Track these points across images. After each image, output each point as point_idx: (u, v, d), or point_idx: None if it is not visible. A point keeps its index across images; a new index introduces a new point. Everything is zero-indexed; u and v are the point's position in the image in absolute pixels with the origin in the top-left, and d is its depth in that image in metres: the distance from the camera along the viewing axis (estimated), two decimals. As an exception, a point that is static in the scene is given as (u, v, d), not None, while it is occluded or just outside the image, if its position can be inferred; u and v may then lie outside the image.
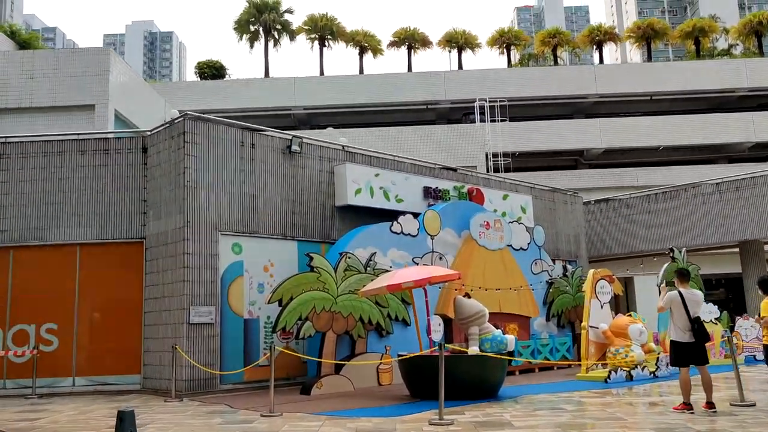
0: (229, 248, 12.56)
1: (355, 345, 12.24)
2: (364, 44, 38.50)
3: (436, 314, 13.57)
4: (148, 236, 12.99)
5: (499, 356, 9.96)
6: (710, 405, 8.13)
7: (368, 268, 12.56)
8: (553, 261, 17.85)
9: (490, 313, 11.13)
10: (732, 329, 16.46)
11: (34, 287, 12.85)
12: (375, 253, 12.99)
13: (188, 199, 12.11)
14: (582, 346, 12.89)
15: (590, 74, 34.87)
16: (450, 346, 10.52)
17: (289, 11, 39.58)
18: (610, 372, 12.03)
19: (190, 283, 11.85)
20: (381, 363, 12.44)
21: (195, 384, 11.64)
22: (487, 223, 15.46)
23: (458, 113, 35.44)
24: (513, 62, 40.21)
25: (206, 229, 12.26)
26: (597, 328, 13.08)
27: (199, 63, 38.50)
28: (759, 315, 9.77)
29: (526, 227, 16.85)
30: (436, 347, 8.33)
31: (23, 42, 29.04)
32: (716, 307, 15.96)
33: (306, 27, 39.18)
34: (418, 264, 13.64)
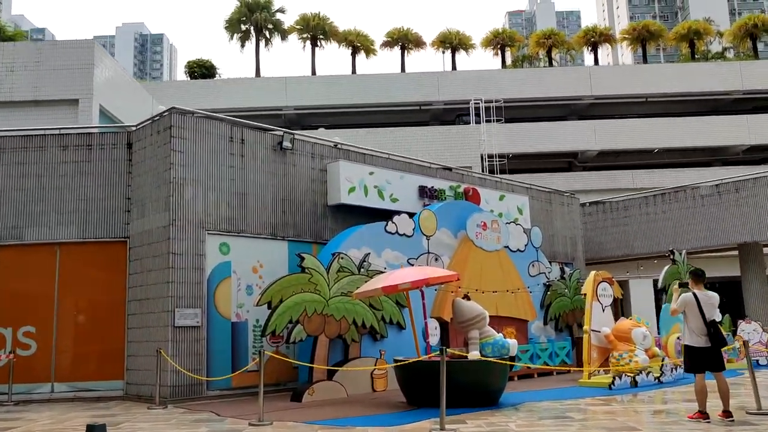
0: (216, 248, 12.02)
1: (348, 349, 11.73)
2: (357, 44, 38.04)
3: (431, 317, 13.07)
4: (132, 235, 12.42)
5: (501, 361, 9.46)
6: (727, 414, 7.67)
7: (362, 270, 12.05)
8: (550, 263, 17.41)
9: (487, 317, 10.65)
10: (734, 333, 16.06)
11: (11, 288, 12.25)
12: (369, 253, 12.48)
13: (174, 197, 11.56)
14: (584, 350, 12.42)
15: (585, 76, 34.55)
16: (449, 350, 10.00)
17: (281, 10, 39.09)
18: (614, 378, 11.56)
19: (176, 285, 11.30)
20: (375, 369, 11.92)
21: (180, 390, 11.08)
22: (484, 223, 14.99)
23: (452, 114, 35.03)
24: (507, 64, 39.82)
25: (192, 228, 11.71)
26: (599, 332, 12.62)
27: (189, 62, 37.92)
28: None
29: (523, 228, 16.40)
30: (436, 352, 7.84)
31: (8, 39, 28.37)
32: (717, 311, 15.50)
33: (298, 26, 38.68)
34: (413, 265, 13.14)
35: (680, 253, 16.79)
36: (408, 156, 16.25)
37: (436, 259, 13.97)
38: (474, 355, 9.45)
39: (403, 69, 38.90)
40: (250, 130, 12.98)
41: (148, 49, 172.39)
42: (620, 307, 25.88)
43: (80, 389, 12.08)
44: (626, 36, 38.93)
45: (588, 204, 22.36)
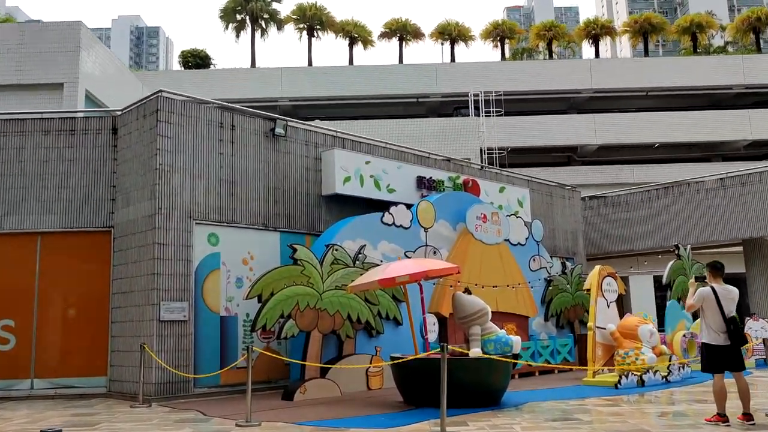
0: (204, 238, 11.46)
1: (342, 346, 11.20)
2: (354, 35, 37.41)
3: (429, 313, 12.53)
4: (117, 225, 11.86)
5: (504, 359, 8.94)
6: (747, 416, 7.17)
7: (357, 262, 11.52)
8: (551, 258, 16.90)
9: (486, 313, 10.10)
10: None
11: (-11, 280, 11.69)
12: (365, 245, 11.95)
13: (160, 184, 11.00)
14: (588, 348, 11.92)
15: (585, 68, 33.99)
16: (450, 347, 9.47)
17: (277, 0, 38.41)
18: (620, 377, 11.06)
19: (161, 277, 10.74)
20: (371, 366, 11.40)
21: (165, 387, 10.54)
22: (484, 215, 14.46)
23: (449, 107, 34.45)
24: (507, 56, 39.25)
25: (180, 218, 11.15)
26: (604, 328, 12.12)
27: (183, 52, 37.26)
28: None
29: (524, 221, 15.88)
30: (436, 349, 7.32)
31: (-3, 24, 27.71)
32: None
33: (294, 16, 38.02)
34: (410, 258, 12.61)
35: (685, 248, 16.31)
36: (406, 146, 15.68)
37: (435, 252, 13.44)
38: (475, 352, 8.93)
39: (401, 60, 38.31)
40: (241, 116, 12.42)
41: (144, 42, 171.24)
42: (621, 304, 25.44)
43: (61, 386, 11.53)
44: (628, 29, 38.35)
45: (586, 198, 21.85)
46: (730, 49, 40.59)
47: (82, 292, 11.87)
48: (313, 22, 37.29)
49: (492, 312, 11.32)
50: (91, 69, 16.79)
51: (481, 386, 8.90)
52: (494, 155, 25.66)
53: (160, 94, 11.36)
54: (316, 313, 10.53)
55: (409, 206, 13.26)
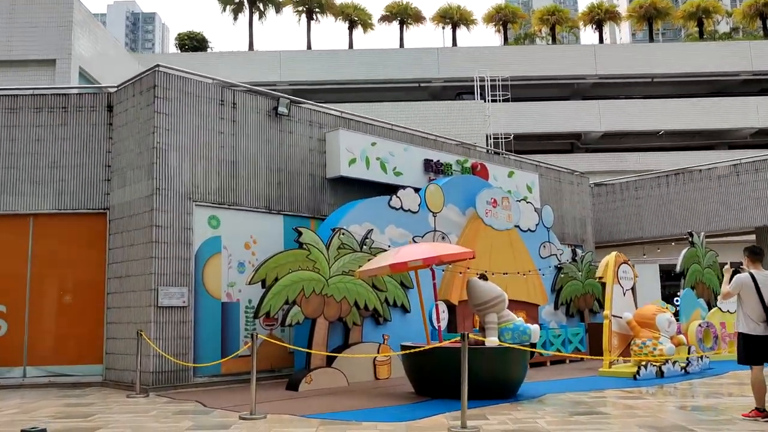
0: (205, 221, 10.94)
1: (349, 334, 10.73)
2: (354, 18, 36.69)
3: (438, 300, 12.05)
4: (113, 206, 11.32)
5: (522, 348, 8.47)
6: (789, 412, 6.71)
7: (364, 247, 11.03)
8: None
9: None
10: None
11: (-22, 263, 11.16)
12: (372, 230, 11.46)
13: (158, 163, 10.46)
14: (604, 337, 11.45)
15: (589, 54, 33.40)
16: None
17: (276, -18, 37.62)
18: (639, 368, 10.60)
19: (159, 261, 10.23)
20: (381, 355, 10.92)
21: (164, 376, 10.05)
22: (494, 200, 13.97)
23: (451, 93, 33.83)
24: (509, 41, 38.59)
25: (179, 199, 10.62)
26: (620, 317, 11.65)
27: (179, 34, 36.50)
28: None
29: (534, 207, 15.39)
30: (456, 338, 6.83)
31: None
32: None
33: (293, -1, 37.24)
34: (421, 242, 12.11)
35: (698, 236, 15.86)
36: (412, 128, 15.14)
37: (443, 238, 12.95)
38: (492, 341, 8.44)
39: (401, 44, 37.62)
40: (242, 94, 11.87)
41: (139, 28, 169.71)
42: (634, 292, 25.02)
43: (55, 374, 11.05)
44: (632, 14, 37.64)
45: (593, 185, 21.32)
46: (736, 35, 39.97)
47: (76, 276, 11.36)
48: (312, 4, 36.55)
49: (503, 300, 10.88)
50: (85, 46, 16.15)
51: (497, 377, 8.43)
52: (500, 140, 25.12)
53: (157, 68, 10.80)
54: (322, 300, 10.05)
55: (416, 190, 12.76)
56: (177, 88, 10.89)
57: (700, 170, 19.45)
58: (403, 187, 12.60)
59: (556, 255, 15.59)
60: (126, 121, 11.25)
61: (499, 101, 26.12)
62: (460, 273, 12.83)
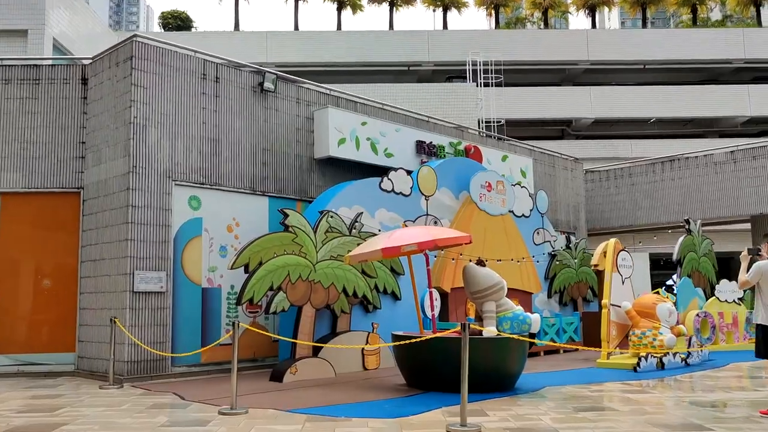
0: (185, 202, 10.32)
1: (336, 322, 10.19)
2: (343, -1, 35.88)
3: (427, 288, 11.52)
4: (87, 185, 10.67)
5: (522, 338, 7.97)
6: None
7: (353, 231, 10.47)
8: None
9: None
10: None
11: (-58, 244, 10.47)
12: (362, 213, 10.90)
13: (135, 139, 9.81)
14: (602, 327, 11.00)
15: (582, 39, 32.85)
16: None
17: (263, -39, 36.62)
18: (639, 359, 10.16)
19: (136, 243, 9.61)
20: (369, 345, 10.40)
21: (140, 366, 9.47)
22: (489, 184, 13.44)
23: (441, 77, 33.20)
24: (500, 25, 37.96)
25: (157, 178, 9.99)
26: (619, 306, 11.20)
27: (163, 13, 35.55)
28: None
29: (528, 192, 14.88)
30: (455, 328, 6.31)
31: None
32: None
33: (280, -21, 36.29)
34: (415, 226, 11.57)
35: (695, 223, 15.45)
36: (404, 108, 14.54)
37: (435, 222, 12.42)
38: (490, 331, 7.93)
39: (391, 27, 36.87)
40: (225, 68, 11.22)
41: (123, 10, 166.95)
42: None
43: (25, 362, 10.42)
44: (626, -1, 37.16)
45: (588, 171, 20.87)
46: (729, 23, 39.60)
47: (47, 259, 10.71)
48: (300, -16, 35.67)
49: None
50: (61, 17, 15.34)
51: (495, 369, 7.93)
52: (492, 125, 24.56)
53: (134, 38, 10.12)
54: (309, 286, 9.50)
55: (408, 172, 12.20)
56: (156, 60, 10.22)
57: (696, 157, 19.04)
58: (395, 169, 12.04)
59: (550, 242, 15.13)
60: (101, 95, 10.58)
61: (492, 86, 25.51)
62: (453, 260, 12.32)
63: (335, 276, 9.85)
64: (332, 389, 8.38)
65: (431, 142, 13.68)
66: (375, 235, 10.36)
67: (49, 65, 11.14)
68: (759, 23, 36.36)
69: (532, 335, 8.44)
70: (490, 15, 37.18)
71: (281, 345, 10.02)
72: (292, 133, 11.90)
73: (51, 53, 14.43)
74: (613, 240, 11.72)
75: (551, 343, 12.79)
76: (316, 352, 9.59)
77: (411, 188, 12.04)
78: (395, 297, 11.10)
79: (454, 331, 7.28)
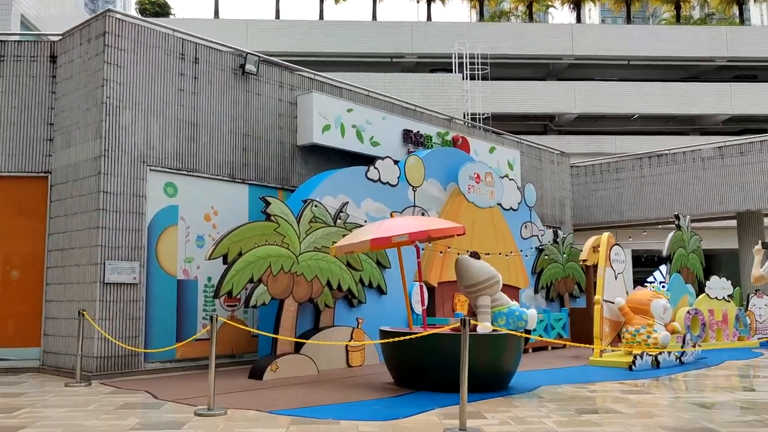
0: (160, 188, 9.74)
1: (319, 316, 9.70)
2: (325, -12, 35.25)
3: (415, 281, 11.08)
4: (55, 169, 10.03)
5: (518, 334, 7.55)
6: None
7: (338, 221, 9.98)
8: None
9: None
10: (746, 308, 14.60)
11: None
12: (347, 203, 10.40)
13: (107, 121, 9.20)
14: (595, 324, 10.63)
15: (567, 34, 32.60)
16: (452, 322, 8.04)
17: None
18: (634, 357, 9.80)
19: (107, 231, 9.02)
20: (353, 340, 9.92)
21: (111, 362, 8.89)
22: (478, 175, 13.02)
23: (424, 69, 32.73)
24: (485, 18, 37.59)
25: (130, 162, 9.40)
26: (612, 302, 10.85)
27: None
28: None
29: (516, 185, 14.49)
30: (450, 324, 5.87)
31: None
32: (729, 282, 14.00)
33: (261, -34, 35.55)
34: (404, 216, 11.10)
35: (684, 219, 15.20)
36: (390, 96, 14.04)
37: (423, 214, 11.96)
38: (485, 327, 7.49)
39: (374, 17, 36.35)
40: (205, 48, 10.63)
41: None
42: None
43: (-14, 357, 9.77)
44: (611, -6, 37.02)
45: (573, 166, 20.54)
46: (710, 21, 39.62)
47: (12, 248, 10.05)
48: (282, -28, 34.92)
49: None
50: (30, -7, 14.61)
51: (490, 368, 7.49)
52: (478, 117, 24.17)
53: (108, 13, 9.49)
54: (292, 278, 8.99)
55: (396, 161, 11.73)
56: (131, 38, 9.61)
57: (684, 152, 18.81)
58: (382, 158, 11.55)
59: (537, 236, 14.78)
60: (72, 74, 9.94)
61: (478, 79, 25.10)
62: (441, 252, 11.89)
63: (319, 268, 9.36)
64: (316, 388, 7.89)
65: (418, 132, 13.21)
66: (361, 226, 9.88)
67: (15, 41, 10.45)
68: (742, 21, 36.43)
69: (527, 332, 8.02)
70: (475, 7, 36.79)
71: (261, 341, 9.51)
72: (275, 118, 11.36)
73: (18, 30, 13.68)
74: (606, 234, 11.36)
75: (544, 340, 12.41)
76: (297, 348, 9.09)
77: (398, 178, 11.58)
78: (381, 291, 10.65)
79: (452, 328, 6.83)
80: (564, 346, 13.02)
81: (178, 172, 9.92)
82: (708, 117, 32.42)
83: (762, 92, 31.60)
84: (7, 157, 10.03)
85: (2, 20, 13.32)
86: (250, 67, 10.92)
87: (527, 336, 7.95)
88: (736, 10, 36.64)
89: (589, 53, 32.52)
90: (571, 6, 36.44)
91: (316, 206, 9.68)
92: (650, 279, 20.18)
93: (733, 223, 19.55)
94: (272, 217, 9.00)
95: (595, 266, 14.51)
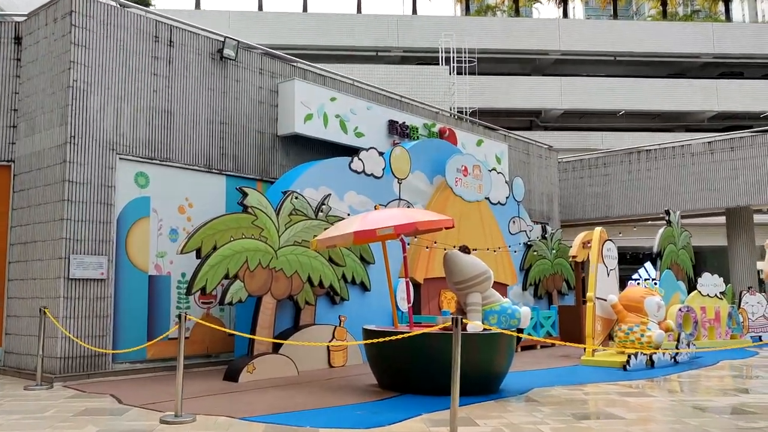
0: (130, 178, 9.18)
1: (299, 314, 9.21)
2: (309, -20, 34.55)
3: (400, 278, 10.61)
4: (18, 158, 9.44)
5: (510, 333, 7.11)
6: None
7: (320, 214, 9.49)
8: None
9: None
10: (738, 305, 14.30)
11: None
12: (329, 195, 9.90)
13: (74, 106, 8.63)
14: (587, 322, 10.24)
15: (554, 28, 32.26)
16: (442, 320, 7.57)
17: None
18: (629, 357, 9.41)
19: (73, 224, 8.46)
20: (335, 339, 9.44)
21: (75, 363, 8.33)
22: (465, 168, 12.58)
23: (410, 63, 32.22)
24: (470, 12, 37.17)
25: (99, 150, 8.83)
26: (605, 300, 10.46)
27: (118, -11, 33.61)
28: None
29: (504, 179, 14.08)
30: (429, 320, 5.40)
31: None
32: (721, 279, 13.67)
33: (244, -43, 34.85)
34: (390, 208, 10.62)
35: (675, 214, 14.87)
36: (376, 86, 13.55)
37: (408, 207, 11.48)
38: (475, 326, 7.03)
39: (359, 10, 35.78)
40: (181, 31, 10.07)
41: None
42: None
43: (-57, 357, 9.17)
44: (597, -10, 36.69)
45: (560, 161, 20.17)
46: (696, 18, 39.51)
47: (-29, 241, 9.44)
48: (265, -37, 34.24)
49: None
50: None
51: (480, 369, 7.03)
52: (464, 112, 23.74)
53: (75, -9, 8.89)
54: (270, 274, 8.47)
55: (381, 153, 11.24)
56: (100, 18, 9.03)
57: (673, 147, 18.50)
58: (366, 149, 11.06)
59: (525, 231, 14.38)
60: (37, 56, 9.34)
61: (465, 74, 24.65)
62: (427, 248, 11.44)
63: (299, 263, 8.85)
64: (294, 391, 7.40)
65: (404, 123, 12.74)
66: (343, 219, 9.38)
67: (-23, 22, 9.83)
68: (728, 18, 36.33)
69: (519, 331, 7.58)
70: (460, 2, 36.33)
71: (238, 340, 8.99)
72: (254, 106, 10.82)
73: (-17, 12, 13.00)
74: (598, 229, 10.97)
75: (534, 339, 12.00)
76: (276, 347, 8.58)
77: (383, 170, 11.10)
78: (364, 287, 10.18)
79: (441, 327, 6.36)
80: (553, 345, 12.63)
81: (150, 161, 9.37)
82: (694, 114, 32.26)
83: (748, 89, 31.50)
84: (-34, 144, 9.41)
85: (-35, 1, 12.68)
86: (228, 52, 10.38)
87: (519, 336, 7.51)
88: (721, 6, 36.53)
89: (576, 49, 32.23)
90: (558, 1, 36.11)
91: (296, 198, 9.18)
92: (635, 276, 19.85)
93: (719, 219, 19.31)
94: (250, 209, 8.49)
95: (583, 263, 14.21)
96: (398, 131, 12.58)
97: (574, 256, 12.59)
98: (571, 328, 13.70)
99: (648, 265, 20.27)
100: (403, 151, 11.55)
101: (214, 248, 8.00)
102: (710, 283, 13.40)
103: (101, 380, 8.24)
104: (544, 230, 15.09)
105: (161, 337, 8.04)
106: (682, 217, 18.42)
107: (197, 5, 34.08)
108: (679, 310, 12.41)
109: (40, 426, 5.50)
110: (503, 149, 15.67)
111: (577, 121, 32.51)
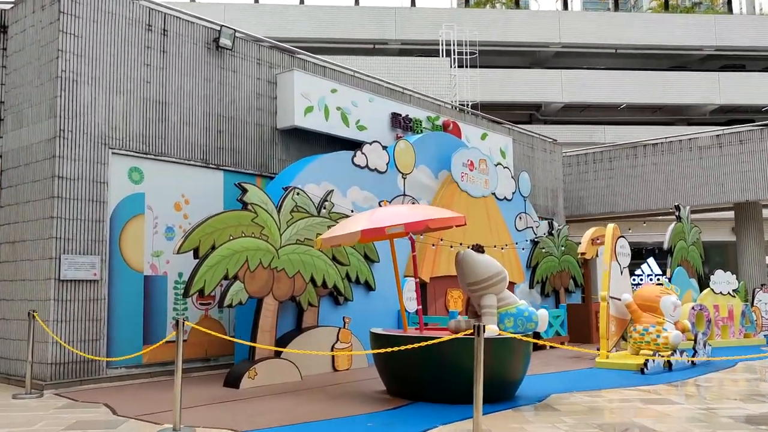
0: (124, 174, 8.73)
1: (302, 316, 8.80)
2: (306, -29, 34.02)
3: (406, 276, 10.21)
4: (5, 153, 8.98)
5: (527, 339, 6.70)
6: None
7: (323, 210, 9.07)
8: (534, 217, 14.79)
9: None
10: (752, 303, 13.93)
11: None
12: (332, 191, 9.48)
13: (64, 98, 8.18)
14: (601, 322, 9.84)
15: (554, 20, 31.81)
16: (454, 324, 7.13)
17: (220, -71, 34.46)
18: (647, 360, 9.01)
19: (64, 222, 8.02)
20: (340, 342, 9.03)
21: (67, 369, 7.91)
22: (471, 162, 12.17)
23: (409, 56, 31.76)
24: (470, 4, 36.72)
25: (90, 145, 8.38)
26: (619, 299, 10.07)
27: (111, -19, 33.03)
28: None
29: (511, 173, 13.67)
30: (462, 322, 4.98)
31: None
32: (734, 276, 13.30)
33: (239, -52, 34.21)
34: (399, 204, 10.22)
35: (685, 209, 14.48)
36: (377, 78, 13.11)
37: (413, 203, 11.08)
38: (491, 329, 6.61)
39: (356, 2, 35.27)
40: (176, 19, 9.61)
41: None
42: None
43: (-72, 363, 8.72)
44: (597, -18, 36.23)
45: (564, 155, 19.76)
46: (697, 10, 39.10)
47: (-43, 240, 8.99)
48: (260, -46, 33.68)
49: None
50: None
51: (496, 376, 6.60)
52: (466, 105, 23.29)
53: (64, -23, 8.43)
54: (272, 274, 8.05)
55: (384, 147, 10.82)
56: (90, 5, 8.57)
57: (680, 141, 18.10)
58: (369, 143, 10.64)
59: (532, 228, 13.99)
60: (24, 45, 8.87)
61: (466, 66, 24.18)
62: (433, 245, 11.03)
63: (302, 263, 8.43)
64: (299, 398, 6.99)
65: (407, 116, 12.30)
66: (347, 216, 8.97)
67: (-39, 10, 9.35)
68: (730, 10, 35.94)
69: (537, 335, 7.17)
70: (459, -7, 35.82)
71: (238, 342, 8.57)
72: (253, 98, 10.38)
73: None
74: (611, 225, 10.56)
75: (544, 340, 11.60)
76: (279, 351, 8.16)
77: (387, 164, 10.68)
78: (369, 287, 9.77)
79: (467, 332, 5.95)
80: (562, 344, 12.24)
81: (144, 155, 8.92)
82: (696, 107, 31.87)
83: (750, 82, 31.14)
84: (-49, 138, 8.95)
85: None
86: (225, 41, 9.93)
87: (536, 341, 7.10)
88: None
89: (576, 41, 31.78)
90: (558, -7, 35.64)
91: (298, 194, 8.75)
92: (638, 272, 19.34)
93: (723, 214, 18.93)
94: (249, 206, 8.06)
95: (591, 260, 13.83)
96: (401, 124, 12.15)
97: (583, 253, 12.21)
98: (579, 327, 13.36)
99: (651, 260, 19.78)
100: (407, 144, 11.13)
101: (213, 248, 7.58)
102: (723, 280, 13.02)
103: (95, 387, 7.83)
104: (550, 226, 14.69)
105: (157, 344, 7.59)
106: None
107: (192, -3, 33.47)
108: (692, 308, 12.07)
109: (26, 443, 5.09)
110: (508, 143, 15.25)
111: (577, 115, 32.12)
